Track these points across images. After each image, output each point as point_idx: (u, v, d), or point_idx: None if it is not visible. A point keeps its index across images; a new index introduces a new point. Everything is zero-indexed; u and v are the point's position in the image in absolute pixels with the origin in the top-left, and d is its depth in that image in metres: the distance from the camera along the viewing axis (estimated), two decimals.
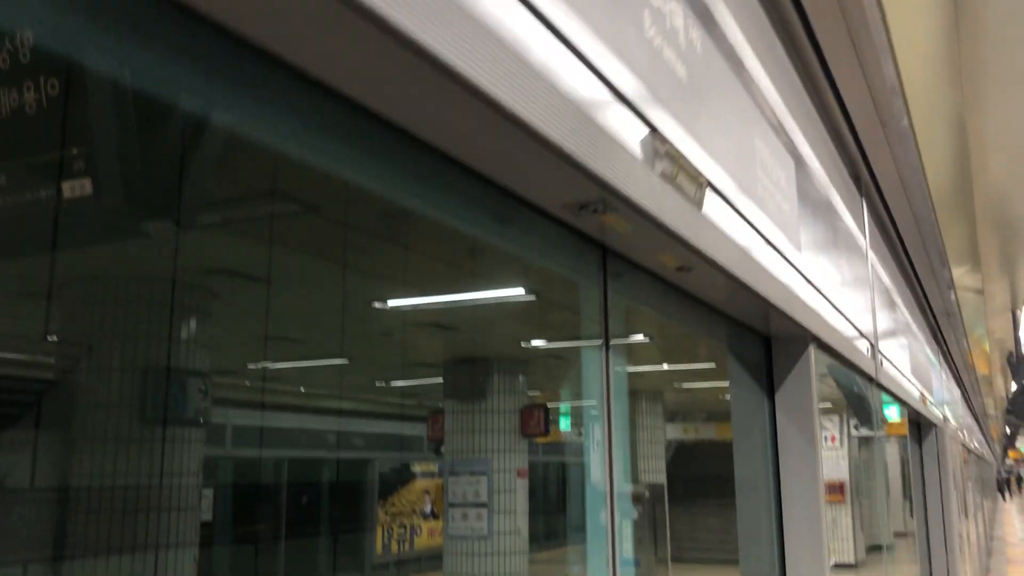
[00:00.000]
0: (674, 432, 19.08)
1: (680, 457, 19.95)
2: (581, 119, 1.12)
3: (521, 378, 10.50)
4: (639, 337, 8.78)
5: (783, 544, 2.35)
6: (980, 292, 6.87)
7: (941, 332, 7.40)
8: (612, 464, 1.63)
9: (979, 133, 4.03)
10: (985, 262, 5.85)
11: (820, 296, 2.39)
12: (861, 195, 3.54)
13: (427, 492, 16.89)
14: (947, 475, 6.22)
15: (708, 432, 19.27)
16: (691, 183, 1.45)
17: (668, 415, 16.63)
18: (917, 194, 3.80)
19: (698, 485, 19.08)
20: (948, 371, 8.58)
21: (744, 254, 1.77)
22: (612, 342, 1.67)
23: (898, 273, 4.80)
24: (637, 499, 13.82)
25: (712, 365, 10.85)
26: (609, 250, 1.60)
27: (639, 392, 14.64)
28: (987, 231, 5.30)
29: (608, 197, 1.23)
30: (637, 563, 13.61)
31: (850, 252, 3.21)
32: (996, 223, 5.55)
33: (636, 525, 13.64)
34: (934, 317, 6.77)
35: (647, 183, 1.28)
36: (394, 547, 15.76)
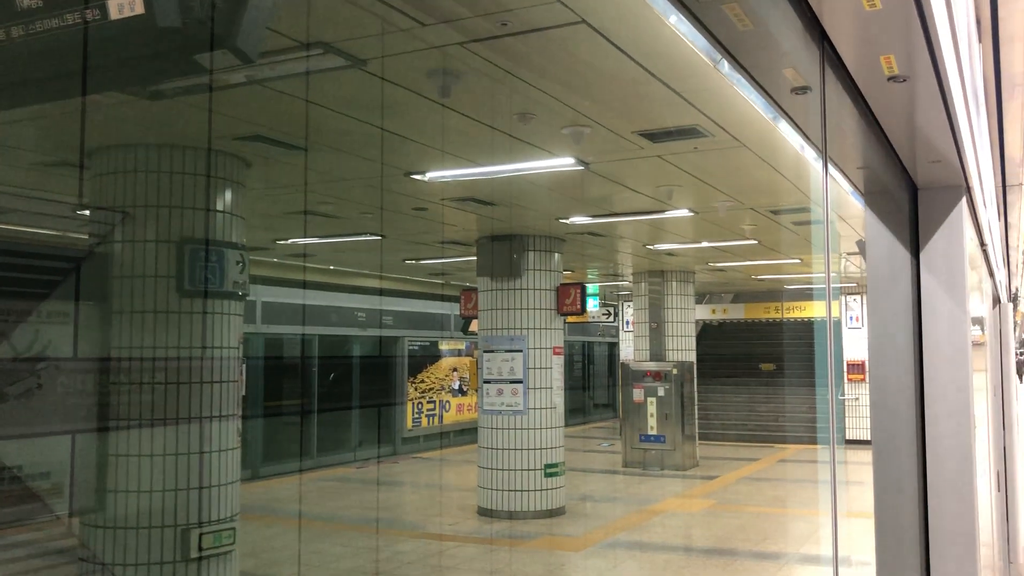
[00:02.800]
0: (703, 312, 19.00)
1: (709, 336, 19.93)
2: None
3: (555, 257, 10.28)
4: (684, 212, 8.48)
5: (923, 418, 2.13)
6: None
7: (1006, 206, 7.05)
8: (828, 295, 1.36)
9: None
10: None
11: (972, 144, 2.08)
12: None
13: (455, 369, 17.01)
14: (1008, 351, 6.03)
15: (736, 312, 19.17)
16: None
17: (698, 295, 16.49)
18: None
19: (727, 364, 19.14)
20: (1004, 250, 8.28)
21: (955, 71, 1.47)
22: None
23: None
24: (665, 376, 13.85)
25: (755, 242, 10.57)
26: (829, 44, 1.30)
27: (669, 272, 14.45)
28: None
29: None
30: (662, 439, 13.76)
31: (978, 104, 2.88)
32: None
33: (662, 402, 13.71)
34: (1004, 188, 6.42)
35: None
36: (424, 422, 15.99)
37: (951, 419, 2.10)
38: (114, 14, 1.50)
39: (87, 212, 5.97)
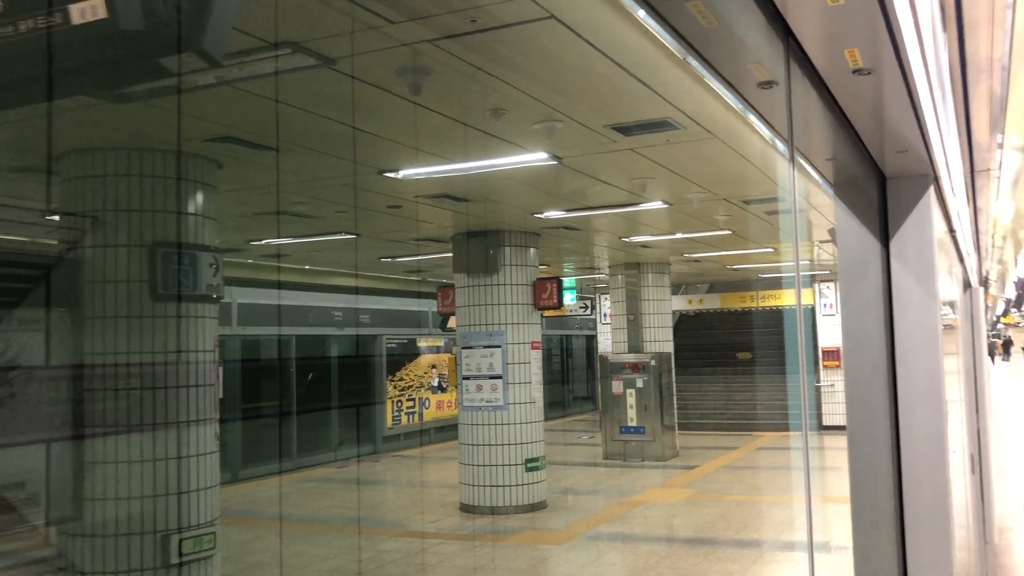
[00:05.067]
0: (679, 303, 19.09)
1: (686, 327, 20.03)
2: None
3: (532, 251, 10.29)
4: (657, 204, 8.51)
5: (896, 405, 2.15)
6: (1022, 149, 6.56)
7: (974, 191, 7.13)
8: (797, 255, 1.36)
9: None
10: None
11: (939, 133, 2.11)
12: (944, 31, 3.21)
13: (434, 366, 16.98)
14: (980, 334, 6.11)
15: (712, 303, 19.28)
16: None
17: (673, 287, 16.58)
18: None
19: (704, 354, 19.25)
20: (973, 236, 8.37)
21: (919, 62, 1.49)
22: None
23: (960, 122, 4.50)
24: (643, 368, 13.91)
25: (728, 232, 10.63)
26: (794, 39, 1.31)
27: (645, 264, 14.51)
28: None
29: None
30: (641, 430, 13.82)
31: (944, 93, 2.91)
32: None
33: (641, 394, 13.77)
34: (972, 174, 6.49)
35: None
36: (404, 419, 15.96)
37: (924, 406, 2.13)
38: (76, 19, 1.48)
39: (56, 218, 5.90)
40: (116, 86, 3.78)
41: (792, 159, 1.57)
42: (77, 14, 1.50)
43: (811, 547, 1.93)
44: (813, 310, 17.47)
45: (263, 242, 10.64)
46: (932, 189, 2.13)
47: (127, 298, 5.40)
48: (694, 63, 1.38)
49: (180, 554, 5.42)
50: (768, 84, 1.41)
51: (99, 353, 5.33)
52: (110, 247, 5.46)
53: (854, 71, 1.45)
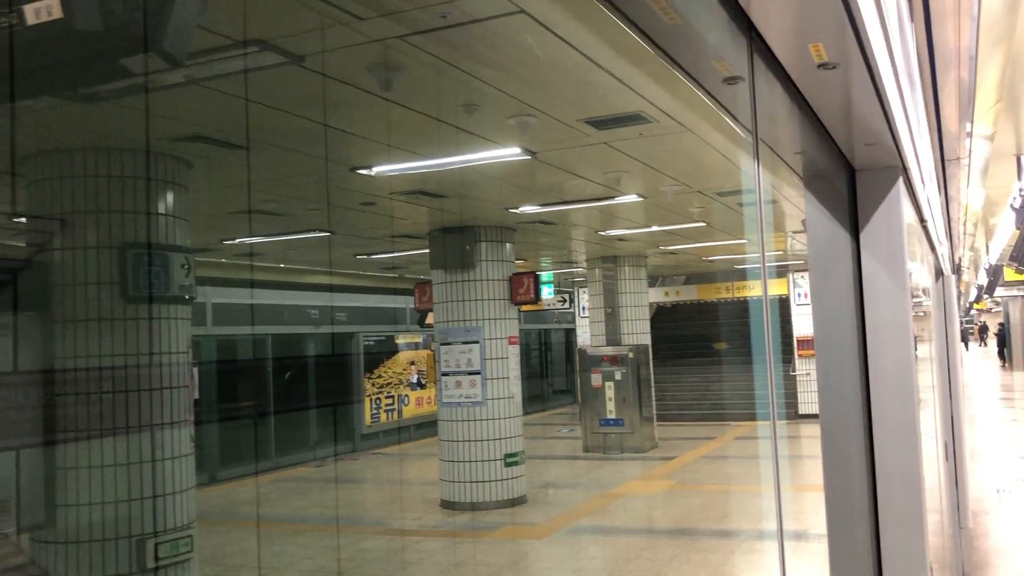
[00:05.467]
0: (656, 295, 19.16)
1: (663, 319, 20.11)
2: None
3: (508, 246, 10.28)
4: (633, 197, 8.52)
5: (869, 397, 2.16)
6: (990, 138, 6.63)
7: (945, 180, 7.20)
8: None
9: None
10: (1005, 105, 5.58)
11: (907, 125, 2.12)
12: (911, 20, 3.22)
13: (413, 363, 16.94)
14: (953, 322, 6.17)
15: (689, 294, 19.38)
16: None
17: (650, 279, 16.64)
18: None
19: (681, 345, 19.34)
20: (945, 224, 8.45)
21: (884, 55, 1.49)
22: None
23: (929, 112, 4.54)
24: (621, 361, 13.94)
25: (703, 224, 10.67)
26: (757, 35, 1.30)
27: (621, 257, 14.54)
28: (1015, 68, 5.00)
29: None
30: (621, 422, 13.86)
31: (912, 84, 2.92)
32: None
33: (620, 386, 13.81)
34: (943, 163, 6.55)
35: None
36: (383, 417, 15.91)
37: (895, 394, 2.14)
38: (31, 19, 1.45)
39: (23, 220, 5.81)
40: (76, 86, 3.73)
41: (756, 155, 1.56)
42: (32, 14, 1.47)
43: (781, 534, 1.94)
44: (788, 300, 17.60)
45: (236, 241, 10.55)
46: (901, 180, 2.14)
47: (97, 300, 5.33)
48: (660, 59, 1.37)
49: (156, 558, 5.37)
50: (734, 80, 1.40)
51: (70, 357, 5.25)
52: (79, 249, 5.39)
53: (819, 65, 1.45)
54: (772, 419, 1.69)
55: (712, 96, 1.51)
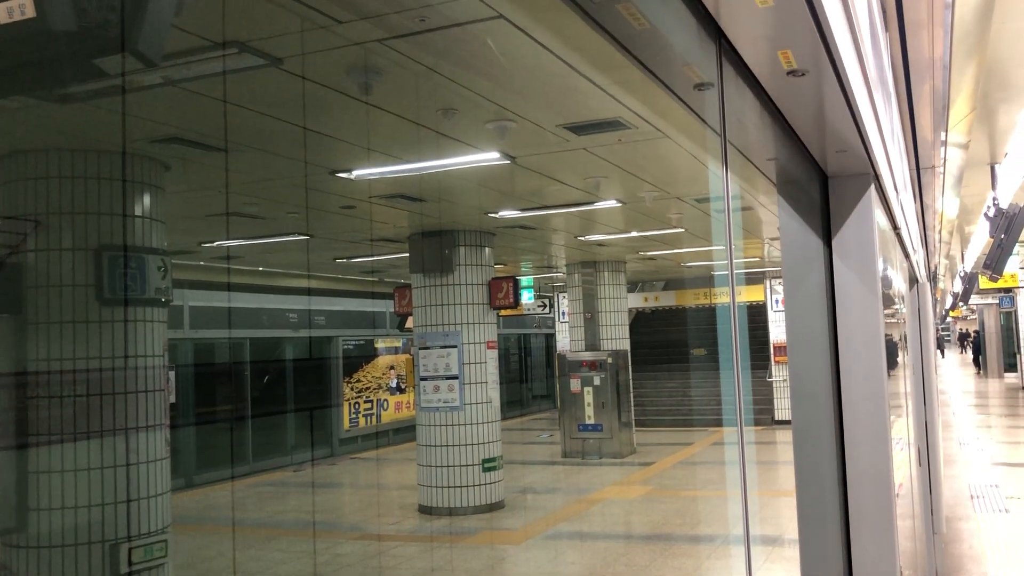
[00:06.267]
0: (635, 300, 19.22)
1: (642, 324, 20.17)
2: None
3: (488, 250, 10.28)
4: (612, 202, 8.55)
5: (840, 402, 2.18)
6: (965, 147, 6.71)
7: (921, 188, 7.27)
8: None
9: None
10: (979, 114, 5.65)
11: (878, 132, 2.14)
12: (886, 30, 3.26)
13: (392, 367, 16.89)
14: (928, 329, 6.23)
15: (668, 300, 19.45)
16: None
17: (629, 284, 16.70)
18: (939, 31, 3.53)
19: (660, 350, 19.41)
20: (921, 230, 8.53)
21: (854, 63, 1.50)
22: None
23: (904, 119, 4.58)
24: (600, 366, 13.97)
25: (681, 230, 10.72)
26: (726, 41, 1.31)
27: (601, 262, 14.58)
28: (988, 78, 5.07)
29: None
30: (599, 428, 13.88)
31: (887, 95, 2.96)
32: (995, 69, 5.33)
33: (599, 391, 13.84)
34: (918, 171, 6.62)
35: None
36: (361, 421, 15.84)
37: (866, 401, 2.16)
38: (3, 18, 1.44)
39: None
40: (49, 87, 3.70)
41: (724, 160, 1.58)
42: (4, 13, 1.46)
43: (747, 539, 1.95)
44: (765, 306, 17.71)
45: (215, 244, 10.49)
46: (873, 187, 2.16)
47: (72, 303, 5.28)
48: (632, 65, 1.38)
49: (130, 563, 5.32)
50: (705, 86, 1.41)
51: (43, 359, 5.20)
52: (54, 251, 5.33)
53: (788, 72, 1.46)
54: (739, 424, 1.70)
55: (684, 102, 1.52)
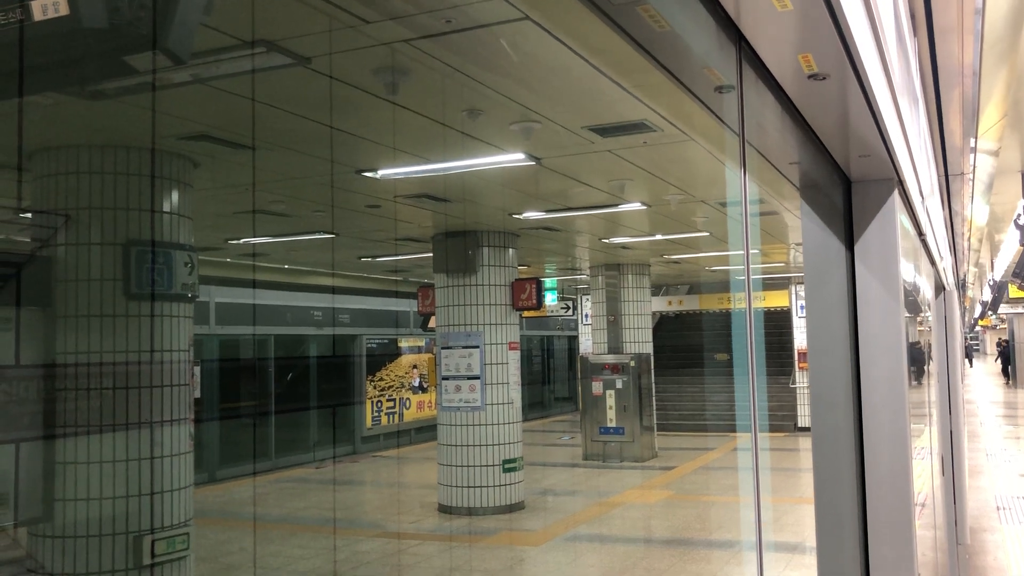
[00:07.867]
0: (659, 304, 19.16)
1: (665, 328, 20.10)
2: None
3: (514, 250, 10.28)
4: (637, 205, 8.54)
5: (860, 408, 2.17)
6: (995, 153, 6.63)
7: (949, 194, 7.20)
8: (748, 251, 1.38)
9: None
10: (1010, 121, 5.59)
11: (903, 137, 2.13)
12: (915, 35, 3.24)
13: (415, 366, 16.94)
14: (955, 337, 6.17)
15: (692, 304, 19.36)
16: None
17: (653, 288, 16.64)
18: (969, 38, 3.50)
19: (683, 355, 19.32)
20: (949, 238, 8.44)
21: (877, 68, 1.50)
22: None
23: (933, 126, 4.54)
24: (623, 369, 13.93)
25: (706, 234, 10.68)
26: (746, 44, 1.31)
27: (625, 265, 14.55)
28: (1020, 84, 5.01)
29: None
30: (621, 431, 13.85)
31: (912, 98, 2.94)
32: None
33: (621, 395, 13.80)
34: (947, 177, 6.55)
35: None
36: (384, 420, 15.91)
37: (887, 409, 2.14)
38: (38, 15, 1.47)
39: (28, 215, 5.84)
40: (81, 84, 3.75)
41: (743, 163, 1.58)
42: (38, 10, 1.49)
43: (760, 546, 1.95)
44: (790, 312, 17.58)
45: (241, 241, 10.58)
46: (897, 193, 2.15)
47: (100, 297, 5.35)
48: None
49: (153, 555, 5.38)
50: (725, 88, 1.41)
51: (71, 352, 5.28)
52: (83, 245, 5.41)
53: (809, 76, 1.46)
54: (753, 430, 1.70)
55: (704, 104, 1.52)
